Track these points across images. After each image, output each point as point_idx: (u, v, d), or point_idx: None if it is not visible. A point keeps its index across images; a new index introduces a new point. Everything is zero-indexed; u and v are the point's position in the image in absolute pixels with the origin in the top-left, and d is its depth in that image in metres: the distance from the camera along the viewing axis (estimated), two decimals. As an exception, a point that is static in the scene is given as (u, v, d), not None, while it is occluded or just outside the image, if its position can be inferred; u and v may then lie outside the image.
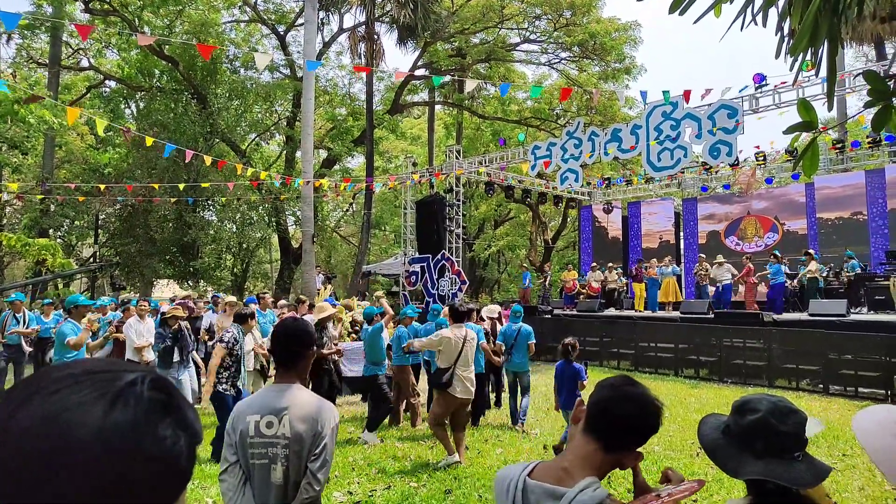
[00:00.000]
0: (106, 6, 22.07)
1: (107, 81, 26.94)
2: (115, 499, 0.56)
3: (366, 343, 8.04)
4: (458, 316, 6.54)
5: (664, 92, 13.31)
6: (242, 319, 6.76)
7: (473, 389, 6.43)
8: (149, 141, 13.88)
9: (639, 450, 1.54)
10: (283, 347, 2.59)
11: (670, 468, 1.84)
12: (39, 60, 25.01)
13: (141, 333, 8.29)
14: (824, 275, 14.59)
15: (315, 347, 2.64)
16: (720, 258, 16.55)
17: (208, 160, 16.65)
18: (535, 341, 8.50)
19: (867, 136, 17.23)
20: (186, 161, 20.08)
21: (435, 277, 19.62)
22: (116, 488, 0.56)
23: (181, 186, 17.02)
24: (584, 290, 18.61)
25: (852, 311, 12.82)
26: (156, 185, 17.86)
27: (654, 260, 17.73)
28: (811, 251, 15.32)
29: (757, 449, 1.55)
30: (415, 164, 23.54)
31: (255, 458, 2.44)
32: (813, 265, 14.34)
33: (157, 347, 7.98)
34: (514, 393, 8.54)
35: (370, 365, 7.89)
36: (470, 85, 15.25)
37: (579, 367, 6.62)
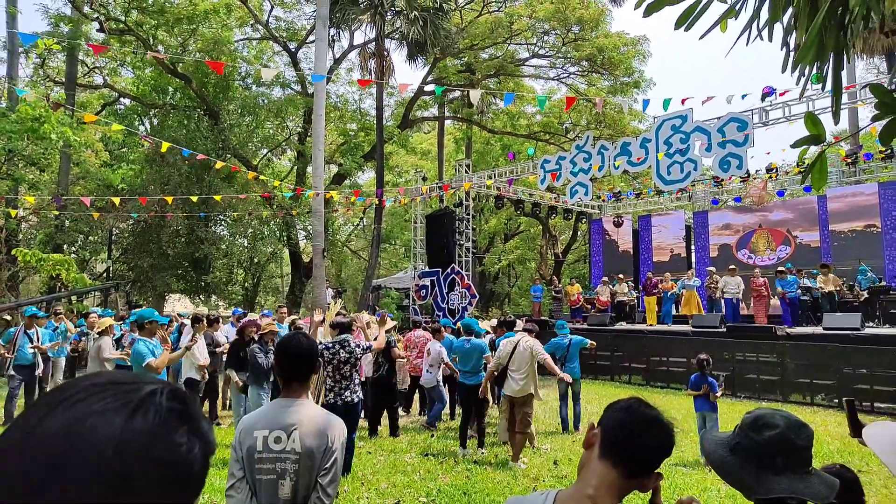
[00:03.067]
0: (121, 26, 22.46)
1: (121, 99, 27.35)
2: (133, 502, 0.59)
3: (470, 353, 8.10)
4: (508, 325, 7.96)
5: (665, 100, 13.33)
6: (346, 329, 6.70)
7: (520, 388, 7.14)
8: (164, 146, 14.07)
9: (657, 470, 1.49)
10: (289, 362, 2.58)
11: (693, 497, 1.82)
12: (56, 79, 25.45)
13: (202, 351, 8.19)
14: (838, 288, 14.45)
15: (320, 361, 2.65)
16: (732, 267, 16.42)
17: (219, 165, 16.84)
18: (587, 343, 9.50)
19: (879, 149, 17.12)
20: (200, 167, 20.34)
21: (445, 291, 19.63)
22: (132, 493, 0.59)
23: (194, 199, 17.21)
24: (589, 304, 18.50)
25: (867, 324, 12.68)
26: (169, 199, 18.10)
27: (668, 274, 17.61)
28: (828, 264, 15.19)
29: (777, 465, 1.52)
30: (424, 179, 23.64)
31: (263, 473, 2.43)
32: (829, 278, 14.21)
33: (264, 363, 7.35)
34: (566, 400, 9.25)
35: (475, 374, 8.04)
36: (475, 95, 15.29)
37: (712, 381, 7.35)
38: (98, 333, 8.59)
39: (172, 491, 0.63)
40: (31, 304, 15.15)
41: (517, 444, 7.16)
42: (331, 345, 6.40)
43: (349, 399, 6.25)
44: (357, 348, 6.41)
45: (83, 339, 10.37)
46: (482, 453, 7.68)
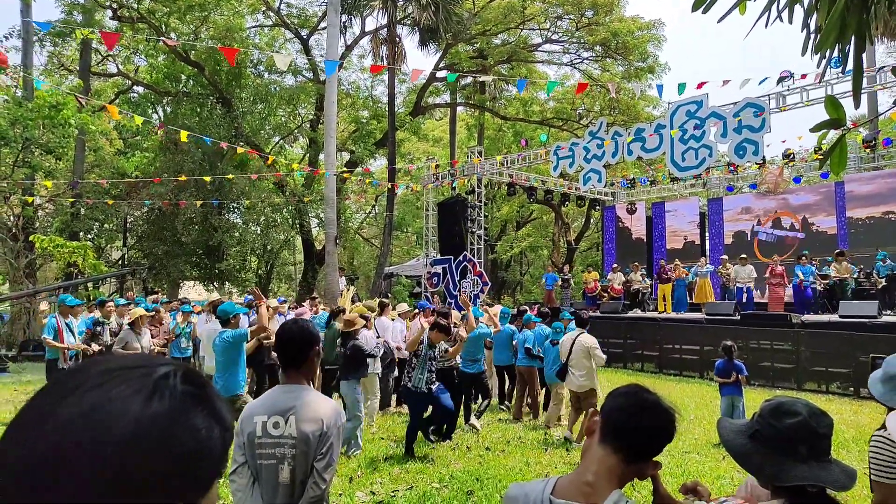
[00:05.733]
0: (134, 13, 22.52)
1: (135, 87, 27.48)
2: (153, 488, 0.58)
3: (472, 341, 8.58)
4: (581, 322, 7.93)
5: (679, 84, 13.12)
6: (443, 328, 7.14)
7: (580, 384, 7.49)
8: (183, 136, 14.15)
9: (656, 459, 1.49)
10: (289, 349, 2.62)
11: (698, 481, 1.82)
12: (70, 67, 25.60)
13: None
14: (855, 276, 14.24)
15: (319, 347, 2.67)
16: (744, 256, 16.25)
17: (240, 150, 16.95)
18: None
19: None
20: (213, 154, 20.50)
21: (457, 279, 19.63)
22: (154, 477, 0.58)
23: (207, 179, 17.36)
24: (606, 292, 18.41)
25: (885, 312, 12.52)
26: (182, 177, 18.27)
27: (678, 261, 17.48)
28: (843, 251, 14.99)
29: (800, 453, 1.52)
30: (437, 166, 23.58)
31: (263, 458, 2.48)
32: (844, 265, 14.02)
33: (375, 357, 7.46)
34: None
35: (474, 363, 8.53)
36: (488, 80, 15.19)
37: (740, 364, 7.59)
38: (129, 324, 8.44)
39: (194, 475, 0.62)
40: (48, 291, 15.33)
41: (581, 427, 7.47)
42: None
43: (409, 385, 6.96)
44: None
45: (98, 328, 9.44)
46: (475, 429, 8.04)
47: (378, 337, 9.08)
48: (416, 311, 10.94)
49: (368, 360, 7.74)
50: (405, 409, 9.88)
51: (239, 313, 6.48)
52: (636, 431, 1.44)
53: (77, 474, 0.56)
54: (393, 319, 10.32)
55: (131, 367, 0.64)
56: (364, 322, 7.81)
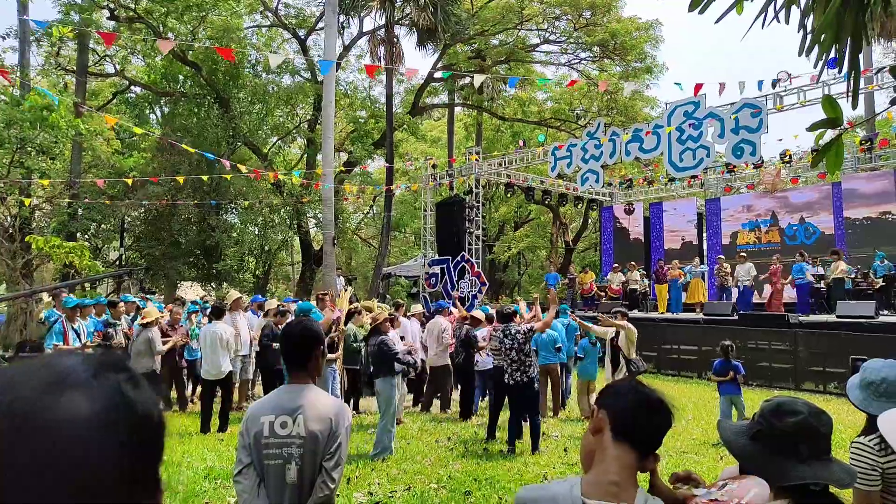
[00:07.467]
0: (131, 13, 22.45)
1: (132, 87, 27.41)
2: (155, 463, 0.64)
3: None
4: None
5: (676, 83, 13.18)
6: (507, 318, 7.29)
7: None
8: (192, 151, 14.22)
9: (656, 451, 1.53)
10: (294, 348, 2.62)
11: (690, 471, 1.81)
12: (67, 67, 25.52)
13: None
14: (852, 276, 14.25)
15: (324, 347, 2.66)
16: (743, 254, 16.25)
17: (243, 169, 16.95)
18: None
19: (896, 134, 16.83)
20: (210, 164, 20.54)
21: (455, 279, 19.62)
22: (145, 455, 0.63)
23: (205, 178, 17.34)
24: (602, 292, 18.40)
25: (882, 312, 12.53)
26: (181, 179, 18.25)
27: (676, 261, 17.47)
28: (839, 250, 15.01)
29: (801, 452, 1.52)
30: (434, 167, 23.59)
31: (270, 458, 2.46)
32: (840, 265, 14.03)
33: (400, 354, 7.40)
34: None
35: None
36: (479, 80, 15.18)
37: (737, 364, 7.70)
38: (141, 325, 8.40)
39: (163, 436, 0.67)
40: (44, 291, 15.26)
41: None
42: (498, 333, 7.27)
43: (519, 379, 6.96)
44: (518, 333, 7.05)
45: (110, 329, 9.04)
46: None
47: (402, 339, 9.12)
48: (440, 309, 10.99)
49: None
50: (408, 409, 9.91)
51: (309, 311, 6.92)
52: (652, 429, 1.49)
53: (93, 478, 0.56)
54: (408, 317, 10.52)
55: (58, 377, 0.60)
56: (387, 317, 7.86)
